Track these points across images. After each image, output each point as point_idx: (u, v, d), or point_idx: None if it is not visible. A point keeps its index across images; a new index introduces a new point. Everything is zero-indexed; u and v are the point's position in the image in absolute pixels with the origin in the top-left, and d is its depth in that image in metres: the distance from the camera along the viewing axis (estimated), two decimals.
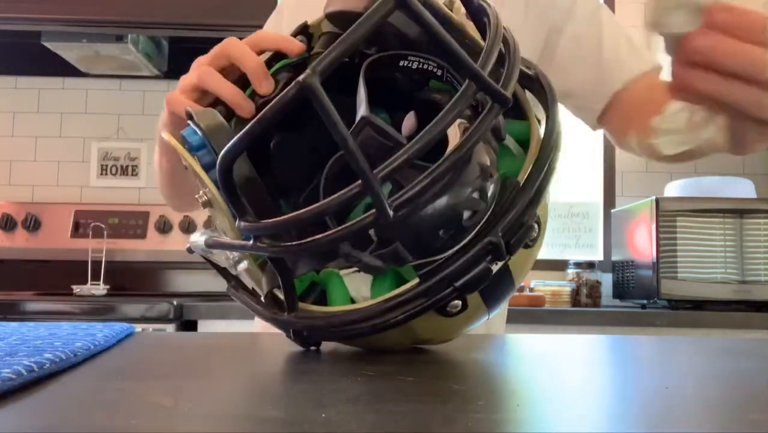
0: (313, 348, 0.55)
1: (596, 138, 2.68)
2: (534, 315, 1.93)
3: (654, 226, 2.10)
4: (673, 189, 2.33)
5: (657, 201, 2.11)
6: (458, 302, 0.47)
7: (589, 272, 2.39)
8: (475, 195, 0.44)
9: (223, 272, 0.58)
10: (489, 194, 0.45)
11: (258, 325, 0.99)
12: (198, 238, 0.51)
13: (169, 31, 2.18)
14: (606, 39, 0.98)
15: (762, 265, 2.08)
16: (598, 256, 2.55)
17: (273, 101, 0.40)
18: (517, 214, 0.46)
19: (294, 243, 0.43)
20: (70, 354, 0.42)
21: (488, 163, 0.45)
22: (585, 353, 0.60)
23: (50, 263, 2.34)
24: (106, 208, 2.37)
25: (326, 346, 0.57)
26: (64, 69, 2.37)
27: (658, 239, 2.09)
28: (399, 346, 0.54)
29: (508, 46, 0.48)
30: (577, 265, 2.40)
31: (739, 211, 2.09)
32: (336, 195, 0.40)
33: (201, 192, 0.51)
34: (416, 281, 0.45)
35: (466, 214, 0.44)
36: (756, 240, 2.09)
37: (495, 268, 0.46)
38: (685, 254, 2.08)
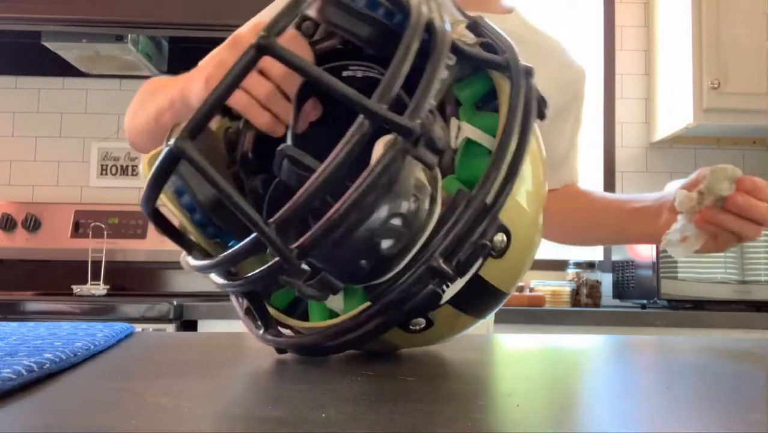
0: None
1: (596, 138, 2.68)
2: (534, 315, 1.93)
3: None
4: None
5: None
6: (421, 320, 0.45)
7: (589, 272, 2.39)
8: (397, 222, 0.41)
9: None
10: (419, 217, 0.42)
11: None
12: (183, 256, 0.52)
13: (169, 31, 2.18)
14: (576, 140, 1.14)
15: (762, 265, 2.08)
16: (598, 256, 2.54)
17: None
18: (460, 234, 0.42)
19: (230, 281, 0.46)
20: (70, 354, 0.42)
21: (415, 184, 0.41)
22: (585, 353, 0.60)
23: (50, 263, 2.33)
24: (106, 209, 2.37)
25: None
26: (64, 69, 2.37)
27: None
28: (389, 349, 0.54)
29: (432, 54, 0.43)
30: (577, 265, 2.40)
31: None
32: (237, 247, 0.42)
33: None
34: (368, 304, 0.44)
35: (386, 243, 0.41)
36: (756, 240, 2.08)
37: (446, 291, 0.43)
38: None
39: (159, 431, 0.27)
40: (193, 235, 0.52)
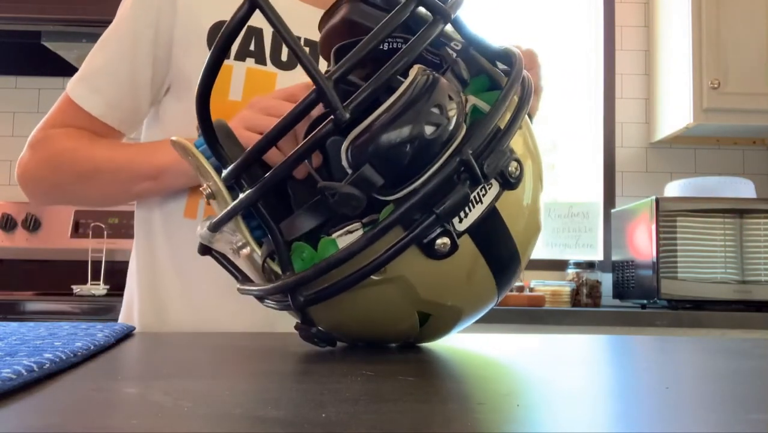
0: (328, 347, 0.55)
1: (596, 138, 2.68)
2: (534, 315, 1.93)
3: (654, 226, 2.10)
4: (673, 189, 2.33)
5: (657, 201, 2.11)
6: (446, 240, 0.46)
7: (589, 272, 2.39)
8: (436, 110, 0.45)
9: (231, 269, 0.58)
10: (452, 114, 0.46)
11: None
12: (202, 227, 0.53)
13: None
14: None
15: (762, 265, 2.08)
16: (598, 256, 2.55)
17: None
18: (485, 137, 0.46)
19: (256, 185, 0.47)
20: (70, 354, 0.42)
21: (449, 89, 0.47)
22: (585, 353, 0.60)
23: (50, 263, 2.33)
24: (106, 208, 2.37)
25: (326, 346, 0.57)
26: (64, 69, 2.37)
27: (658, 239, 2.09)
28: (406, 325, 0.52)
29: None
30: (577, 265, 2.40)
31: (739, 211, 2.09)
32: (294, 106, 0.45)
33: (205, 185, 0.53)
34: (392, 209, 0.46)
35: (428, 129, 0.45)
36: (756, 240, 2.09)
37: (468, 215, 0.47)
38: (685, 254, 2.08)
39: (159, 431, 0.27)
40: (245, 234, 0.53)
